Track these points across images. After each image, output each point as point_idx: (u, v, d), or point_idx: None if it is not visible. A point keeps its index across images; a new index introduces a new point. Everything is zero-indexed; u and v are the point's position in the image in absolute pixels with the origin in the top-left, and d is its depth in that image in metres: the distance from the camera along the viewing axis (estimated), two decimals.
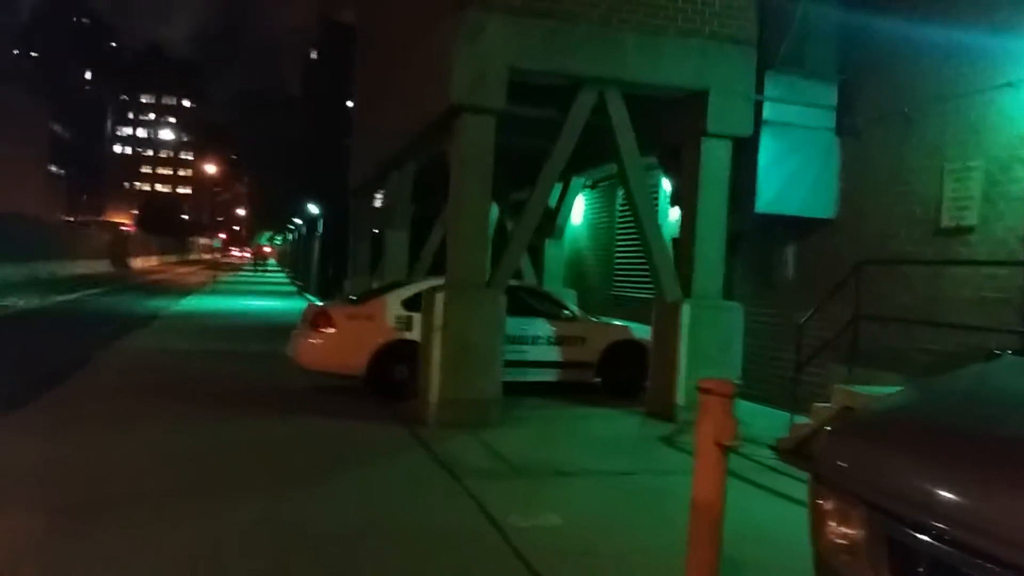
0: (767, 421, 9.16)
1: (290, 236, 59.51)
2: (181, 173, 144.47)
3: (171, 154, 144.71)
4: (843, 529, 2.31)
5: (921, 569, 2.06)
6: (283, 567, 4.42)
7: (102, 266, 48.20)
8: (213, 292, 31.01)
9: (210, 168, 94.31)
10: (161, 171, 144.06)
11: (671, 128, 9.77)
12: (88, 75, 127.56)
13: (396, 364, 9.60)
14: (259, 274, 55.64)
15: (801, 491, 6.36)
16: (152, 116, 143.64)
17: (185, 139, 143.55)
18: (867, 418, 2.72)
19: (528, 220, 9.14)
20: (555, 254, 14.87)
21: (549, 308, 10.73)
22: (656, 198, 12.43)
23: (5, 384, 9.37)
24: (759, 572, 4.63)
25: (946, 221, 8.23)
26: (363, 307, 10.07)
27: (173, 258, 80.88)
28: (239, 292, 32.53)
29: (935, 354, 8.07)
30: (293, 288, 39.10)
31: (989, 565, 1.90)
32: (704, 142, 9.28)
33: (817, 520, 2.46)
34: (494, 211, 12.01)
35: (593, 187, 15.72)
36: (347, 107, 33.48)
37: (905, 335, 8.44)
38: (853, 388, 7.25)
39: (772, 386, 10.41)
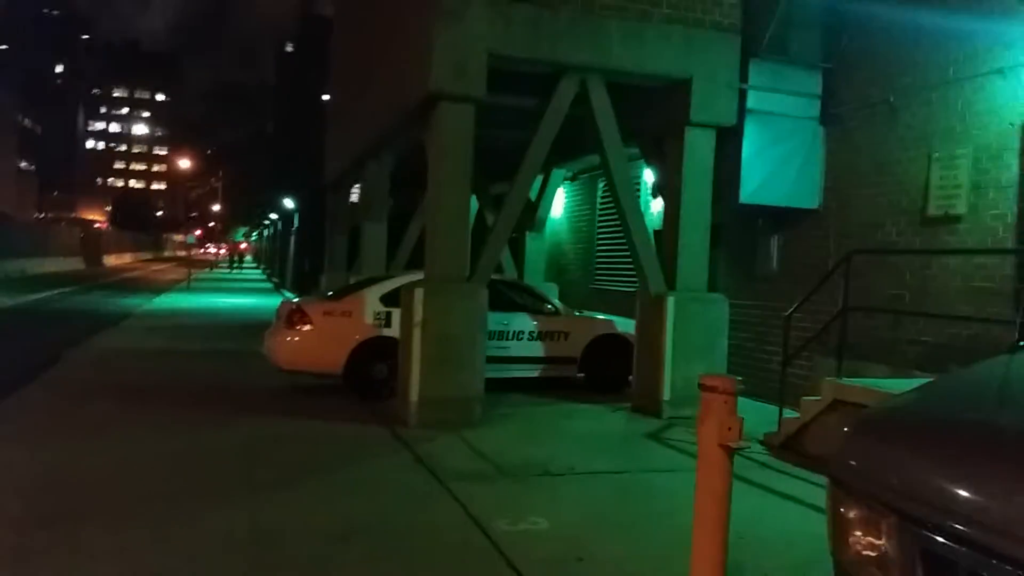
0: (754, 415, 8.93)
1: (266, 232, 58.85)
2: (155, 168, 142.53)
3: (145, 149, 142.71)
4: (870, 539, 2.11)
5: None
6: None
7: (74, 264, 47.48)
8: (188, 290, 30.52)
9: (185, 163, 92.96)
10: (135, 166, 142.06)
11: (654, 118, 9.58)
12: (59, 68, 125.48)
13: (375, 362, 9.35)
14: (235, 271, 54.99)
15: (794, 487, 6.25)
16: (125, 110, 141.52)
17: (159, 134, 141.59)
18: (892, 415, 2.51)
19: (509, 212, 8.92)
20: (536, 247, 14.66)
21: (531, 303, 10.52)
22: (638, 190, 12.26)
23: None
24: None
25: (933, 210, 8.11)
26: (340, 303, 9.80)
27: (148, 255, 79.92)
28: (214, 289, 32.07)
29: (925, 345, 7.96)
30: (269, 284, 38.65)
31: None
32: (688, 132, 9.10)
33: (839, 529, 2.26)
34: (473, 204, 11.78)
35: (574, 179, 15.52)
36: (323, 100, 33.03)
37: (894, 326, 8.32)
38: (842, 381, 7.10)
39: (758, 379, 10.25)
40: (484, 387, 8.27)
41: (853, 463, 2.26)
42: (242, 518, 5.09)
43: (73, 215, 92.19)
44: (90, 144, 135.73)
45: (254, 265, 68.90)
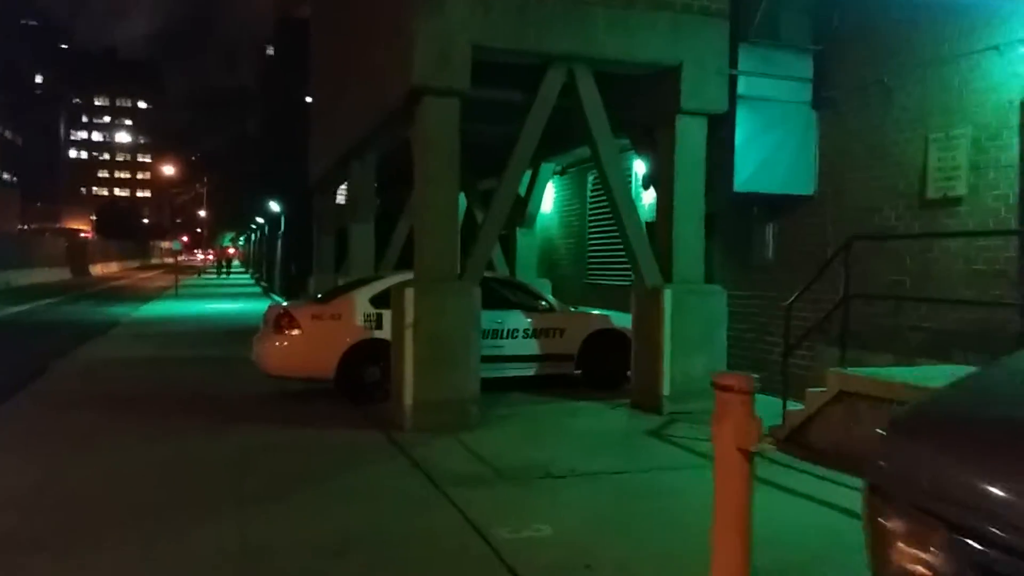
0: (757, 408, 8.82)
1: (253, 236, 58.42)
2: (140, 176, 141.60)
3: (128, 157, 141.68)
4: (917, 554, 1.91)
5: None
6: None
7: (61, 274, 47.02)
8: (175, 296, 30.18)
9: (169, 170, 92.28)
10: (119, 175, 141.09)
11: (644, 107, 9.38)
12: (39, 78, 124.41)
13: (367, 365, 9.12)
14: (223, 277, 54.56)
15: (800, 482, 6.06)
16: (107, 119, 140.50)
17: (142, 141, 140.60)
18: (937, 413, 2.30)
19: (499, 207, 8.71)
20: (527, 243, 14.43)
21: (524, 299, 10.30)
22: (630, 181, 12.06)
23: None
24: None
25: (932, 192, 7.93)
26: (329, 306, 9.56)
27: (135, 263, 79.33)
28: (202, 295, 31.73)
29: (929, 332, 7.79)
30: (258, 289, 38.31)
31: None
32: (679, 120, 8.91)
33: (878, 543, 2.06)
34: (461, 202, 11.56)
35: (563, 173, 15.32)
36: (305, 103, 32.78)
37: (895, 313, 8.15)
38: (847, 371, 6.91)
39: (757, 370, 10.05)
40: (480, 388, 8.06)
41: (894, 468, 2.05)
42: (233, 532, 4.88)
43: (58, 225, 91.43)
44: (73, 153, 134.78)
45: (242, 270, 68.42)
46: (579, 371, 10.25)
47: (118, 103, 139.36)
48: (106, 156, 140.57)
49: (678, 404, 8.56)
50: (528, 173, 13.35)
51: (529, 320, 9.93)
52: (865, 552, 2.18)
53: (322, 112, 18.37)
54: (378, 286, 9.51)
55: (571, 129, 9.50)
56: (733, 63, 8.99)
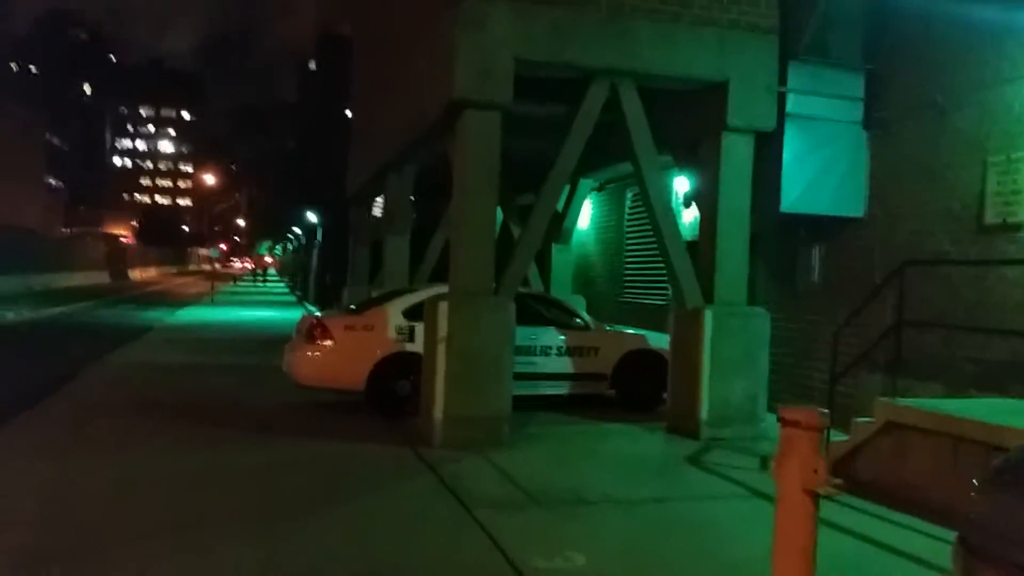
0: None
1: (290, 246, 58.93)
2: (180, 184, 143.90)
3: (170, 166, 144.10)
4: None
5: None
6: None
7: (100, 278, 47.68)
8: (211, 303, 30.39)
9: (209, 179, 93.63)
10: (160, 183, 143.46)
11: (688, 123, 9.17)
12: (87, 88, 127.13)
13: (398, 378, 8.97)
14: (258, 285, 55.03)
15: (846, 518, 5.75)
16: (151, 128, 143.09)
17: (184, 151, 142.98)
18: None
19: (537, 223, 8.53)
20: (562, 259, 14.22)
21: (559, 316, 10.10)
22: (671, 199, 11.81)
23: None
24: None
25: (990, 218, 7.60)
26: (362, 317, 9.44)
27: (172, 269, 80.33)
28: (237, 303, 31.92)
29: (984, 363, 7.44)
30: (292, 298, 38.50)
31: None
32: (725, 137, 8.68)
33: None
34: (498, 216, 11.42)
35: (600, 189, 15.10)
36: (345, 116, 33.02)
37: (948, 342, 7.80)
38: (897, 401, 6.61)
39: (798, 398, 9.75)
40: (512, 405, 7.86)
41: (992, 524, 1.82)
42: (256, 551, 4.72)
43: (100, 230, 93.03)
44: (117, 161, 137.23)
45: (278, 278, 69.02)
46: (613, 391, 10.00)
47: (162, 113, 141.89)
48: (149, 164, 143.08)
49: (716, 429, 8.29)
50: (566, 189, 13.18)
51: (563, 337, 9.72)
52: None
53: (362, 126, 18.40)
54: (412, 299, 9.36)
55: (611, 145, 9.31)
56: (782, 80, 8.75)
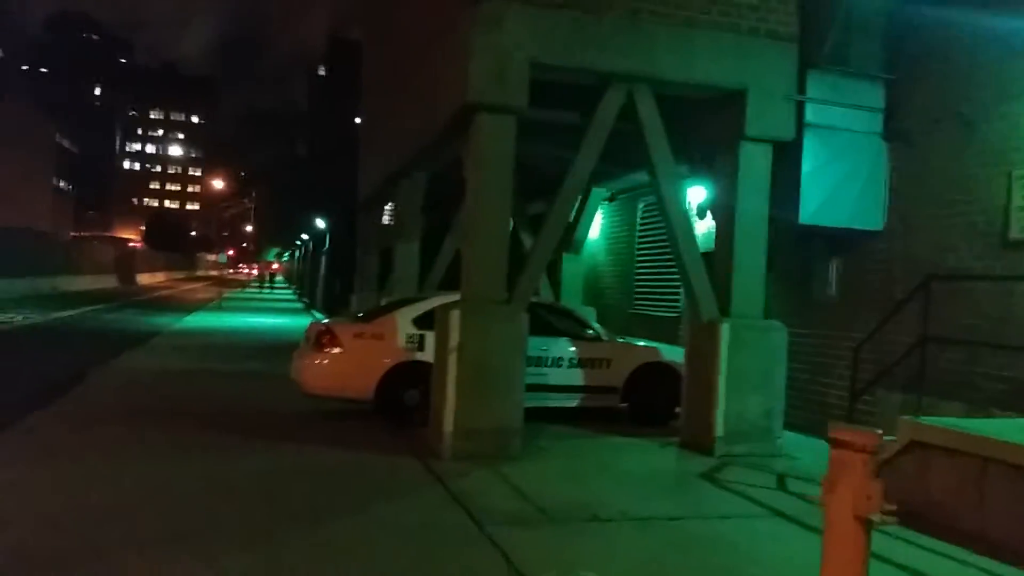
0: (815, 454, 8.29)
1: (297, 252, 58.88)
2: (189, 189, 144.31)
3: (180, 170, 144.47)
4: None
5: None
6: None
7: (108, 282, 47.69)
8: (218, 309, 30.29)
9: (218, 184, 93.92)
10: (170, 187, 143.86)
11: (705, 132, 9.01)
12: (97, 91, 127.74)
13: (407, 388, 8.81)
14: (266, 291, 54.97)
15: (873, 543, 5.53)
16: (161, 132, 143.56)
17: (194, 155, 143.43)
18: None
19: (551, 231, 8.37)
20: (573, 269, 14.06)
21: (571, 327, 9.93)
22: (688, 209, 11.65)
23: None
24: None
25: (1017, 232, 7.43)
26: (371, 325, 9.28)
27: (180, 274, 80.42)
28: (245, 309, 31.83)
29: (1010, 381, 7.25)
30: (300, 305, 38.41)
31: None
32: (742, 147, 8.51)
33: None
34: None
35: (612, 200, 14.95)
36: (355, 123, 32.99)
37: (970, 360, 7.62)
38: (921, 420, 6.42)
39: (814, 414, 9.58)
40: (523, 418, 7.69)
41: None
42: (261, 564, 4.57)
43: (108, 234, 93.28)
44: (126, 165, 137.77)
45: (285, 285, 69.00)
46: (624, 405, 9.82)
47: (172, 117, 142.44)
48: (158, 168, 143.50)
49: (732, 446, 8.10)
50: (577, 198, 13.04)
51: (575, 349, 9.55)
52: None
53: (372, 131, 18.31)
54: (422, 307, 9.21)
55: (624, 154, 9.15)
56: (801, 89, 8.60)
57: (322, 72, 76.53)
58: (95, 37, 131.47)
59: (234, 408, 9.82)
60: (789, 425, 8.73)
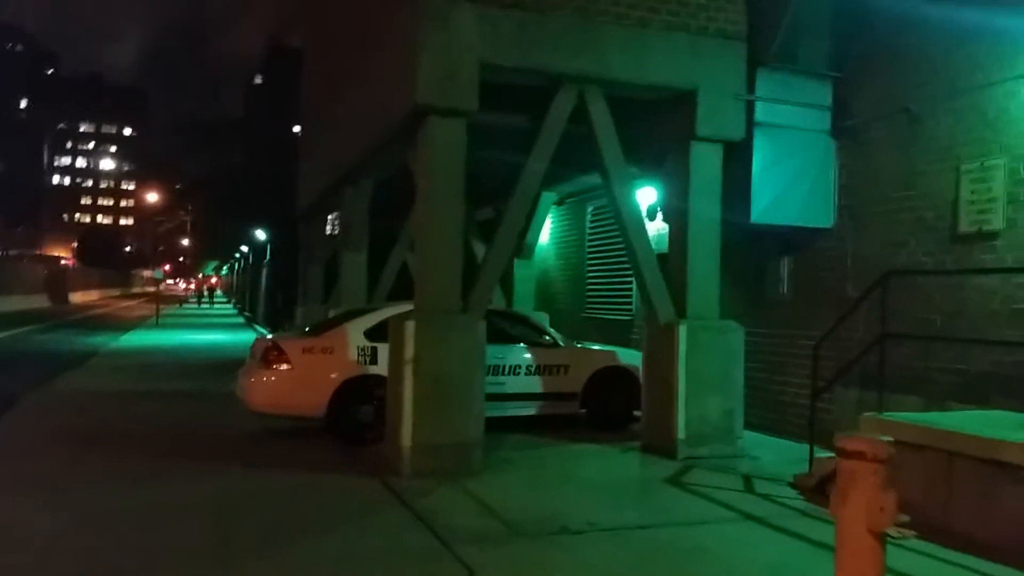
0: (775, 453, 8.31)
1: (237, 265, 57.66)
2: (123, 204, 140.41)
3: (112, 184, 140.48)
4: None
5: None
6: None
7: (39, 301, 45.98)
8: (156, 326, 29.39)
9: (152, 197, 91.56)
10: (102, 202, 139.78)
11: (656, 133, 8.94)
12: (23, 104, 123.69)
13: (360, 403, 8.51)
14: (205, 306, 53.64)
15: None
16: (92, 145, 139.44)
17: (127, 168, 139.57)
18: None
19: (505, 237, 8.17)
20: (524, 275, 13.92)
21: (527, 334, 9.75)
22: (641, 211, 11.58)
23: None
24: None
25: (965, 226, 7.49)
26: (320, 339, 8.96)
27: (116, 291, 78.07)
28: (184, 326, 30.95)
29: (964, 374, 7.30)
30: (241, 319, 37.55)
31: None
32: (694, 147, 8.46)
33: None
34: None
35: (560, 204, 14.84)
36: (293, 132, 32.44)
37: (925, 354, 7.66)
38: (884, 416, 6.41)
39: (772, 413, 9.59)
40: (484, 429, 7.48)
41: None
42: None
43: (38, 252, 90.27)
44: (56, 180, 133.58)
45: (225, 300, 67.50)
46: (583, 410, 9.69)
47: (103, 129, 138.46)
48: (89, 183, 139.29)
49: (694, 448, 8.01)
50: None
51: (532, 356, 9.39)
52: None
53: (313, 139, 17.91)
54: (373, 318, 8.94)
55: (575, 156, 9.02)
56: (751, 88, 8.58)
57: (259, 80, 75.34)
58: (19, 48, 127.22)
59: (178, 430, 9.40)
60: (746, 424, 8.69)
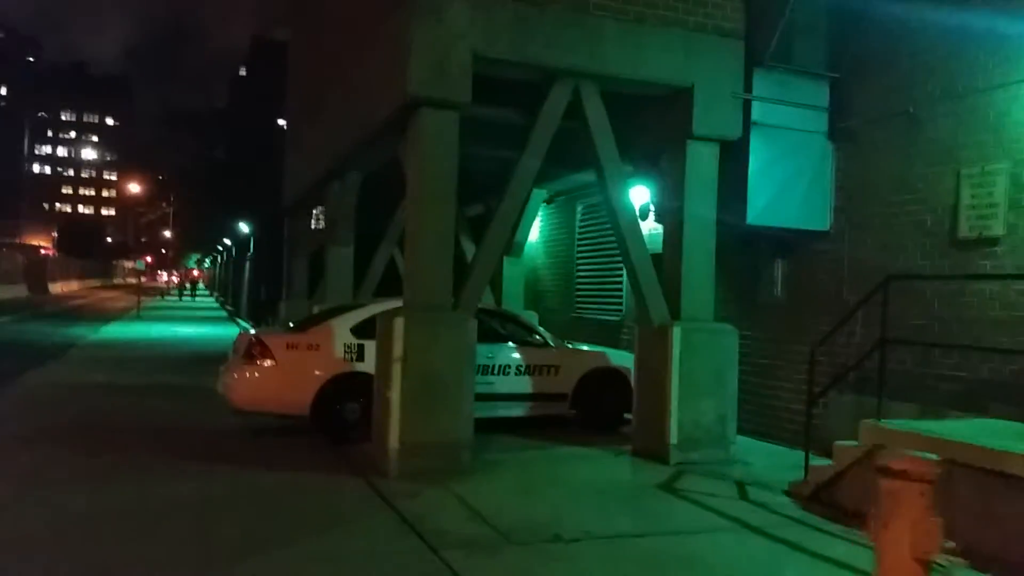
0: (768, 459, 8.18)
1: (220, 258, 57.07)
2: (104, 194, 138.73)
3: (94, 174, 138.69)
4: None
5: None
6: None
7: (18, 291, 45.31)
8: (137, 318, 28.98)
9: (135, 188, 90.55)
10: (83, 191, 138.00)
11: (652, 131, 8.79)
12: (3, 91, 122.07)
13: (346, 401, 8.32)
14: (187, 299, 53.06)
15: (836, 549, 5.38)
16: (73, 134, 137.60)
17: (109, 158, 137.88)
18: None
19: (497, 233, 7.99)
20: (513, 273, 13.71)
21: (517, 333, 9.58)
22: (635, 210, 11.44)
23: None
24: None
25: (965, 231, 7.39)
26: (305, 335, 8.75)
27: (96, 282, 77.13)
28: (165, 318, 30.55)
29: (962, 381, 7.19)
30: (223, 313, 37.14)
31: None
32: (690, 146, 8.32)
33: None
34: None
35: (550, 201, 14.67)
36: (278, 124, 32.06)
37: (922, 361, 7.55)
38: (883, 423, 6.28)
39: (765, 418, 9.47)
40: (473, 430, 7.30)
41: None
42: None
43: (17, 240, 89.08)
44: (36, 168, 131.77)
45: (207, 293, 66.85)
46: (573, 411, 9.53)
47: (85, 118, 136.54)
48: (71, 172, 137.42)
49: (687, 453, 7.87)
50: None
51: (522, 355, 9.22)
52: None
53: (299, 132, 17.64)
54: (360, 314, 8.74)
55: (568, 153, 8.86)
56: (748, 88, 8.45)
57: (243, 72, 74.53)
58: (0, 35, 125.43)
59: (158, 426, 9.17)
60: (738, 429, 8.55)
